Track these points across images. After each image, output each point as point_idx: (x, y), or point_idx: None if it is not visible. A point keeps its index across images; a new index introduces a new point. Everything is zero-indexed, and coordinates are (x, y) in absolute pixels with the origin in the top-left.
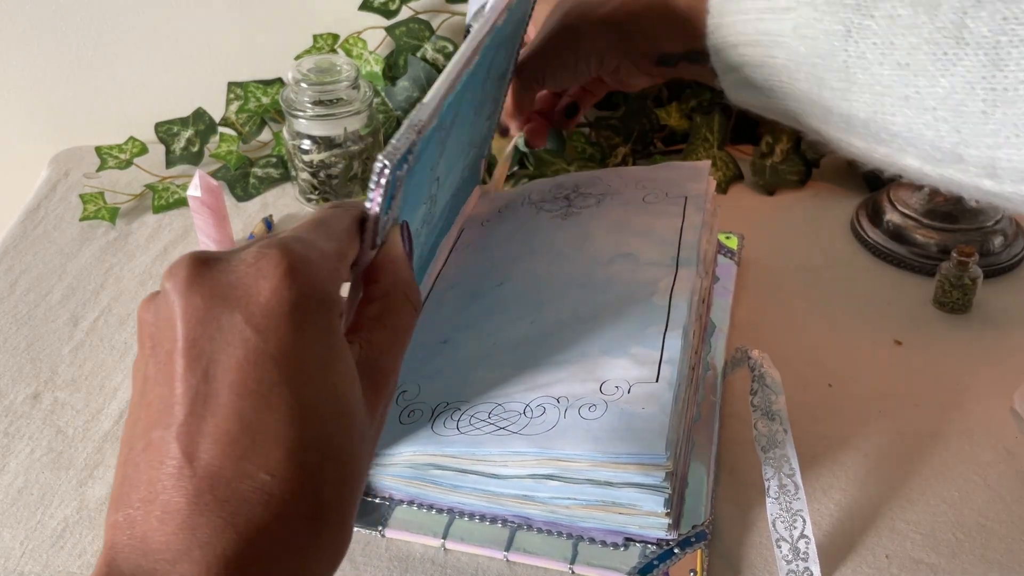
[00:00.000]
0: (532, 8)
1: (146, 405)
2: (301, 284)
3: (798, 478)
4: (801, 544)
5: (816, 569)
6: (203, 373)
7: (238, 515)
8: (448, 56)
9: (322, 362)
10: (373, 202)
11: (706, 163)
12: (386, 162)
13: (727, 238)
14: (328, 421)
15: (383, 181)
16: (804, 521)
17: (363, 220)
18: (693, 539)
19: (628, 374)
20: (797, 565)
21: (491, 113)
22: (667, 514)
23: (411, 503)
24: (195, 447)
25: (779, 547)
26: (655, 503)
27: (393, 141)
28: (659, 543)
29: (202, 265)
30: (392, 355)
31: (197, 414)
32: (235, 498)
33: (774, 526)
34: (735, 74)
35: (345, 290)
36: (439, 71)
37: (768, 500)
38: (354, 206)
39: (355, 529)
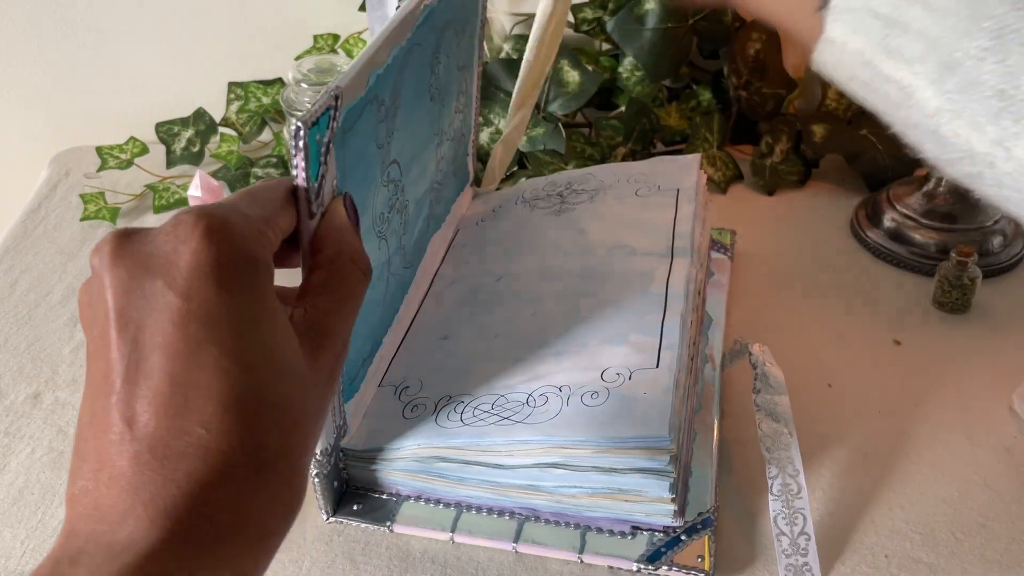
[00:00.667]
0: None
1: (90, 381)
2: (220, 245)
3: (802, 479)
4: (801, 540)
5: (815, 565)
6: (133, 341)
7: (178, 471)
8: None
9: (250, 318)
10: (297, 168)
11: (696, 156)
12: (299, 123)
13: (719, 233)
14: (261, 373)
15: (300, 144)
16: (805, 519)
17: (295, 191)
18: (699, 526)
19: (628, 361)
20: (796, 559)
21: (463, 106)
22: (673, 500)
23: (418, 498)
24: (133, 412)
25: (779, 541)
26: (660, 488)
27: (309, 105)
28: (666, 530)
29: (124, 239)
30: (338, 317)
31: (131, 380)
32: (173, 455)
33: (775, 522)
34: None
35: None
36: None
37: (771, 497)
38: (287, 179)
39: (360, 526)
